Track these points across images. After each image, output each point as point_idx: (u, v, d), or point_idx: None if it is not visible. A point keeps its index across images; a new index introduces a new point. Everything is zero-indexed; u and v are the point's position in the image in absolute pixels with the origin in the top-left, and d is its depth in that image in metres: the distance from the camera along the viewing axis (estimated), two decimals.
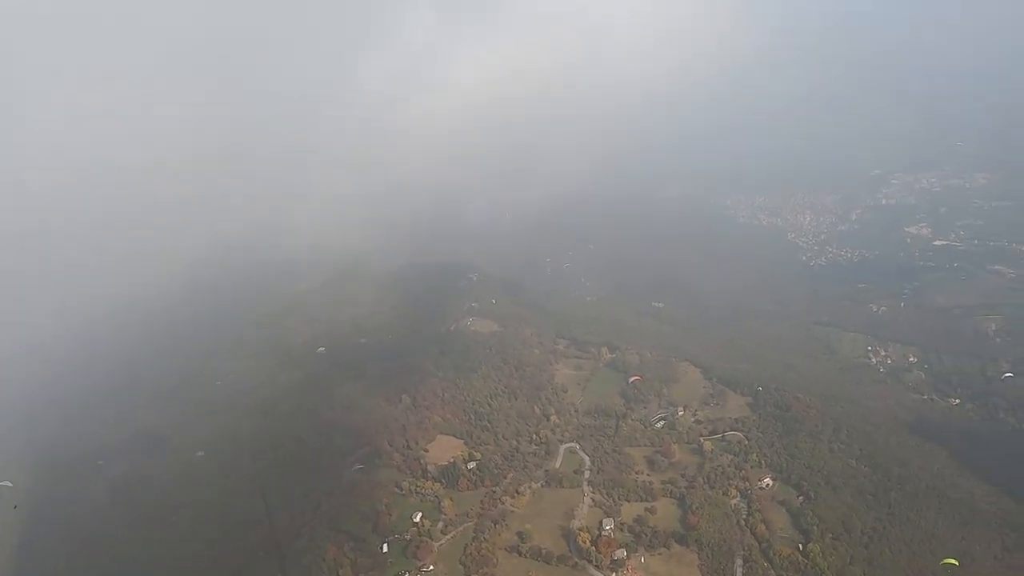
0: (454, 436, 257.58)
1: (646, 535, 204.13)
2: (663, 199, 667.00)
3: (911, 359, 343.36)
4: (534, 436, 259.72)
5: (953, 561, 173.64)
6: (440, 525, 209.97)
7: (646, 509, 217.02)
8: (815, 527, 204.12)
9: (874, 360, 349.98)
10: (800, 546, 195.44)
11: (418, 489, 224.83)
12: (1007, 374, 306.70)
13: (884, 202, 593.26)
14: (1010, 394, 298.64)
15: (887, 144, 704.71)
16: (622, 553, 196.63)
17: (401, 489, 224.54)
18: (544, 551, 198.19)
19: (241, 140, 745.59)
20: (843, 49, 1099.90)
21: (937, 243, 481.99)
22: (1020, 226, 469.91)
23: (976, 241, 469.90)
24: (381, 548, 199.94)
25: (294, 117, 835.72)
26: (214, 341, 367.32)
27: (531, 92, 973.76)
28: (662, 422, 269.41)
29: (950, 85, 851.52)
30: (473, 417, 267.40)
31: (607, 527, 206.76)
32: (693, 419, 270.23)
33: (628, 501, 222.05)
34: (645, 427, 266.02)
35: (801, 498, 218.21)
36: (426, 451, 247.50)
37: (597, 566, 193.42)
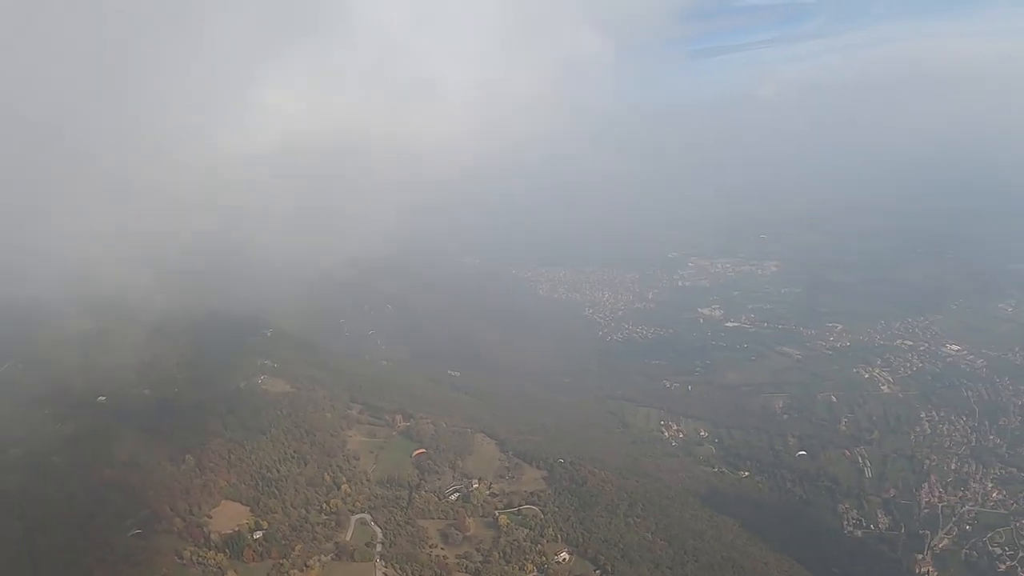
0: (240, 502, 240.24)
1: None
2: (464, 267, 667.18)
3: (702, 433, 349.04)
4: (324, 505, 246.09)
5: None
6: None
7: None
8: None
9: (667, 434, 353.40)
10: None
11: (200, 559, 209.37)
12: (800, 452, 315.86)
13: (680, 283, 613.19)
14: (797, 467, 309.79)
15: (688, 231, 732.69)
16: None
17: (182, 559, 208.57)
18: None
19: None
20: (664, 141, 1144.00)
21: (729, 324, 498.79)
22: (807, 311, 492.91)
23: (766, 324, 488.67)
24: None
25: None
26: None
27: (339, 146, 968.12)
28: (456, 494, 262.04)
29: (762, 182, 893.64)
30: (260, 483, 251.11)
31: None
32: (488, 492, 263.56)
33: None
34: (439, 499, 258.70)
35: (599, 572, 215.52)
36: (209, 517, 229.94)
37: None
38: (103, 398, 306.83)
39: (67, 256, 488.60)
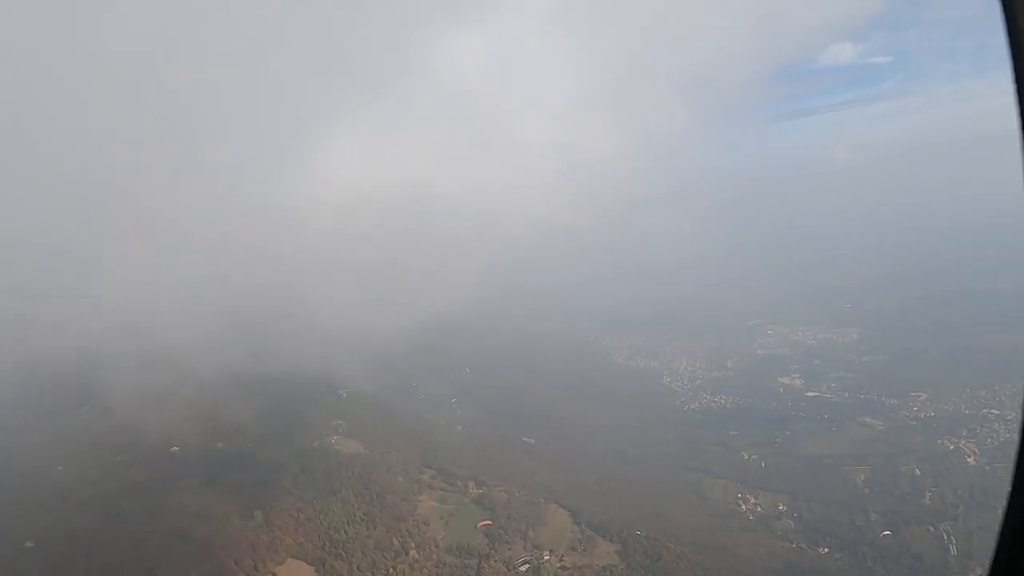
0: (305, 562, 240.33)
1: None
2: (539, 330, 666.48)
3: (781, 507, 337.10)
4: (391, 571, 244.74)
5: None
6: None
7: None
8: None
9: (744, 507, 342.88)
10: None
11: None
12: (885, 532, 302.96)
13: (760, 352, 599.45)
14: (879, 543, 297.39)
15: (768, 298, 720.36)
16: None
17: None
18: None
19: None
20: (741, 207, 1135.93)
21: (809, 394, 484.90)
22: (889, 380, 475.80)
23: (847, 393, 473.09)
24: None
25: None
26: (52, 424, 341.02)
27: (409, 202, 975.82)
28: (526, 566, 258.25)
29: (843, 247, 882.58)
30: (328, 544, 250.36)
31: None
32: (559, 564, 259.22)
33: None
34: (508, 570, 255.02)
35: None
36: (274, 574, 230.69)
37: None
38: (176, 448, 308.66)
39: (131, 307, 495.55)
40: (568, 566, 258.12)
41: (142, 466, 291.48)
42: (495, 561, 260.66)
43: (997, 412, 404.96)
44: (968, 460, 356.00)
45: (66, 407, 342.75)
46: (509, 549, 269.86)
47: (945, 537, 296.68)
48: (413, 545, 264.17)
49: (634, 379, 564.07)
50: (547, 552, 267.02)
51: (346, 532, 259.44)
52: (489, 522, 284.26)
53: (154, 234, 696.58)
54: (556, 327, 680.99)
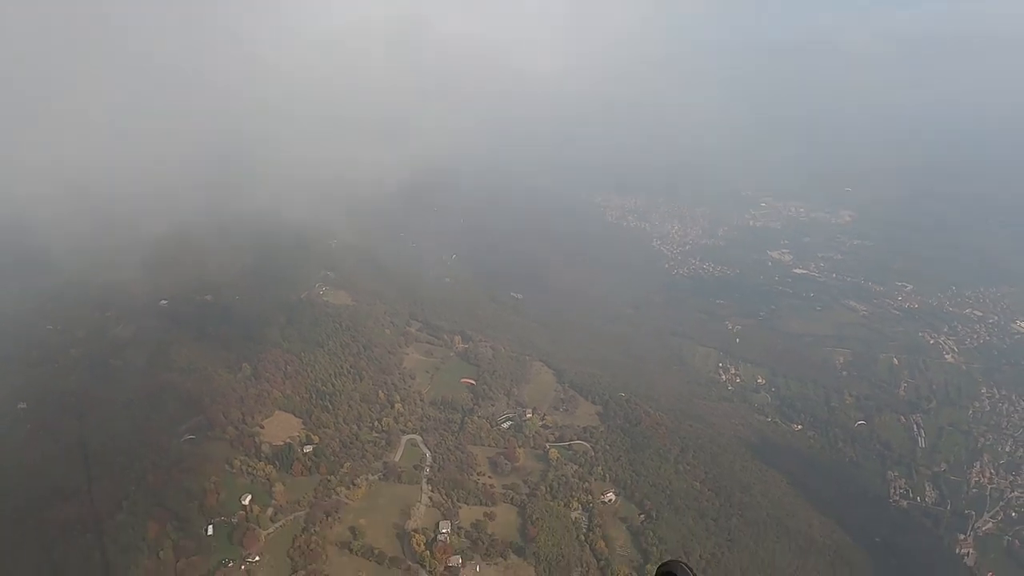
0: (293, 414, 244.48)
1: (483, 542, 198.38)
2: (537, 187, 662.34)
3: (759, 380, 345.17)
4: (376, 423, 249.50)
5: None
6: (270, 512, 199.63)
7: (485, 514, 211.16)
8: (655, 548, 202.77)
9: (724, 377, 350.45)
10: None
11: (250, 469, 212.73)
12: (860, 422, 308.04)
13: (751, 223, 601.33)
14: (850, 426, 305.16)
15: (764, 171, 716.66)
16: (457, 560, 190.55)
17: (232, 467, 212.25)
18: (376, 551, 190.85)
19: None
20: (755, 78, 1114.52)
21: (797, 271, 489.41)
22: (877, 267, 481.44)
23: (834, 275, 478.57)
24: (205, 530, 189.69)
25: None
26: (48, 280, 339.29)
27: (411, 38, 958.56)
28: (509, 423, 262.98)
29: (850, 134, 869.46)
30: (315, 395, 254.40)
31: (444, 531, 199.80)
32: (541, 423, 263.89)
33: (467, 504, 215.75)
34: (491, 426, 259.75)
35: (643, 516, 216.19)
36: (262, 427, 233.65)
37: (430, 572, 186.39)
38: (165, 302, 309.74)
39: (114, 157, 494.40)
40: (549, 425, 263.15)
41: (131, 322, 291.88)
42: (478, 417, 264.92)
43: (980, 314, 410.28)
44: (946, 357, 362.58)
45: (53, 265, 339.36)
46: (492, 405, 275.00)
47: (915, 428, 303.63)
48: (399, 398, 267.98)
49: (625, 239, 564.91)
50: (530, 410, 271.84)
51: (333, 384, 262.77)
52: (472, 381, 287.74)
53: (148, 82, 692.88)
54: (550, 183, 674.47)
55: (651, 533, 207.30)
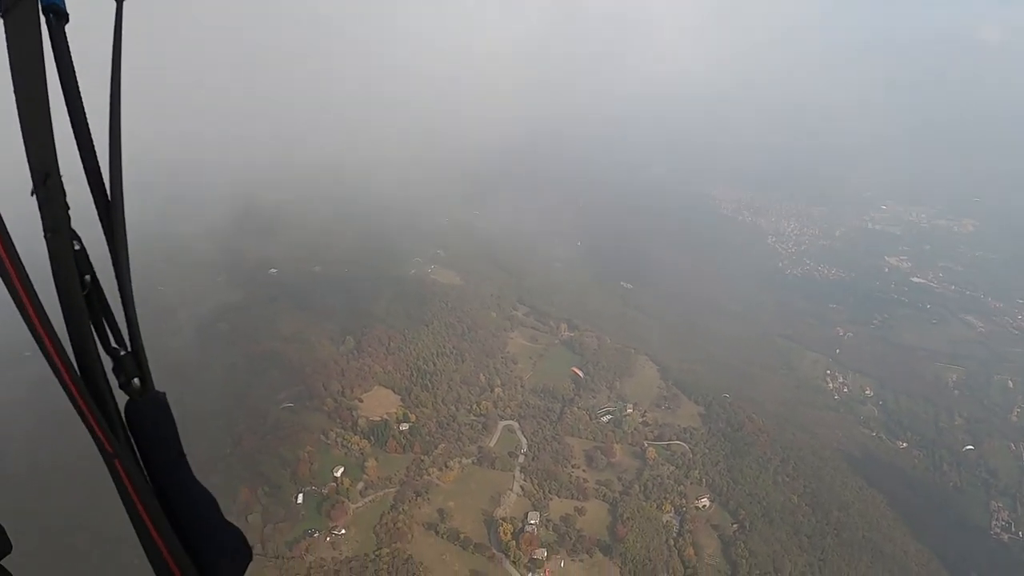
0: (392, 391, 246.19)
1: (571, 537, 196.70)
2: (654, 176, 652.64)
3: (867, 392, 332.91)
4: (475, 406, 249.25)
5: None
6: (360, 486, 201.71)
7: (576, 509, 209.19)
8: (744, 560, 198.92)
9: (831, 385, 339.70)
10: None
11: (345, 442, 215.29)
12: (968, 447, 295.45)
13: (870, 226, 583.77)
14: (956, 448, 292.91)
15: (887, 172, 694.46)
16: (543, 553, 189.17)
17: (327, 439, 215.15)
18: (462, 535, 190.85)
19: None
20: (889, 71, 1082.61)
21: (915, 279, 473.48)
22: (999, 282, 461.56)
23: (953, 286, 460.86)
24: (296, 498, 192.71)
25: None
26: (163, 243, 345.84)
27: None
28: (609, 416, 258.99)
29: (982, 138, 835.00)
30: (415, 374, 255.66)
31: (532, 521, 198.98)
32: (641, 420, 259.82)
33: (559, 496, 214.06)
34: (590, 418, 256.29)
35: (736, 526, 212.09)
36: (360, 401, 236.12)
37: (514, 562, 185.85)
38: (274, 271, 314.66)
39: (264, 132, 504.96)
40: (649, 423, 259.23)
41: (240, 288, 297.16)
42: (578, 408, 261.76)
43: None
44: None
45: (168, 227, 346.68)
46: (593, 397, 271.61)
47: None
48: (499, 382, 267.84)
49: (739, 234, 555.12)
50: (631, 405, 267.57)
51: (434, 364, 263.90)
52: (580, 373, 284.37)
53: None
54: (668, 172, 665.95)
55: (742, 545, 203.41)
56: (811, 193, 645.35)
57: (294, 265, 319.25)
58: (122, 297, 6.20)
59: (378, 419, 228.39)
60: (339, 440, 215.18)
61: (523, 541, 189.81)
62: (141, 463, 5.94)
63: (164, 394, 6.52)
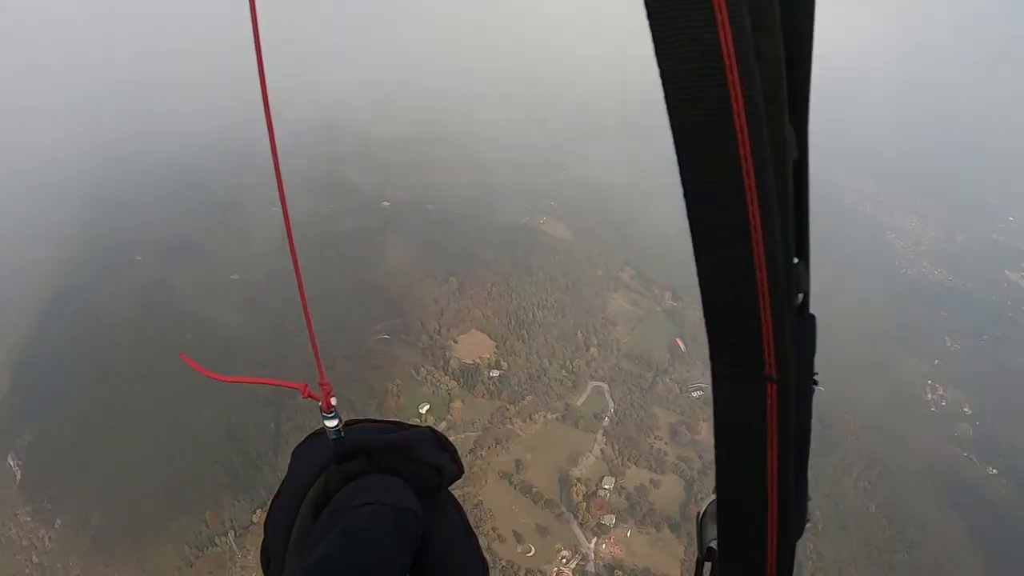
0: (488, 336, 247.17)
1: (642, 508, 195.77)
2: None
3: (965, 409, 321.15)
4: (567, 363, 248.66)
5: None
6: (443, 425, 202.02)
7: (651, 481, 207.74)
8: (811, 561, 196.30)
9: (929, 396, 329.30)
10: None
11: (434, 380, 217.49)
12: None
13: (995, 236, 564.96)
14: None
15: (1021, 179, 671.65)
16: (611, 520, 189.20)
17: (418, 374, 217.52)
18: (535, 489, 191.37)
19: None
20: None
21: None
22: None
23: None
24: None
25: None
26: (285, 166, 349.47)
27: None
28: (699, 392, 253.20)
29: None
30: (513, 322, 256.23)
31: (606, 487, 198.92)
32: None
33: (637, 465, 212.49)
34: (681, 392, 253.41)
35: (809, 525, 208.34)
36: (455, 342, 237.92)
37: (581, 524, 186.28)
38: (387, 204, 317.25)
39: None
40: None
41: (353, 216, 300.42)
42: (670, 380, 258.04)
43: None
44: None
45: (288, 155, 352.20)
46: (688, 371, 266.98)
47: None
48: (595, 342, 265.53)
49: (856, 226, 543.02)
50: None
51: (534, 315, 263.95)
52: (683, 345, 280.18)
53: None
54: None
55: (812, 545, 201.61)
56: (938, 192, 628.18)
57: (408, 200, 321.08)
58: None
59: (470, 362, 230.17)
60: (429, 377, 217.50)
61: (594, 504, 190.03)
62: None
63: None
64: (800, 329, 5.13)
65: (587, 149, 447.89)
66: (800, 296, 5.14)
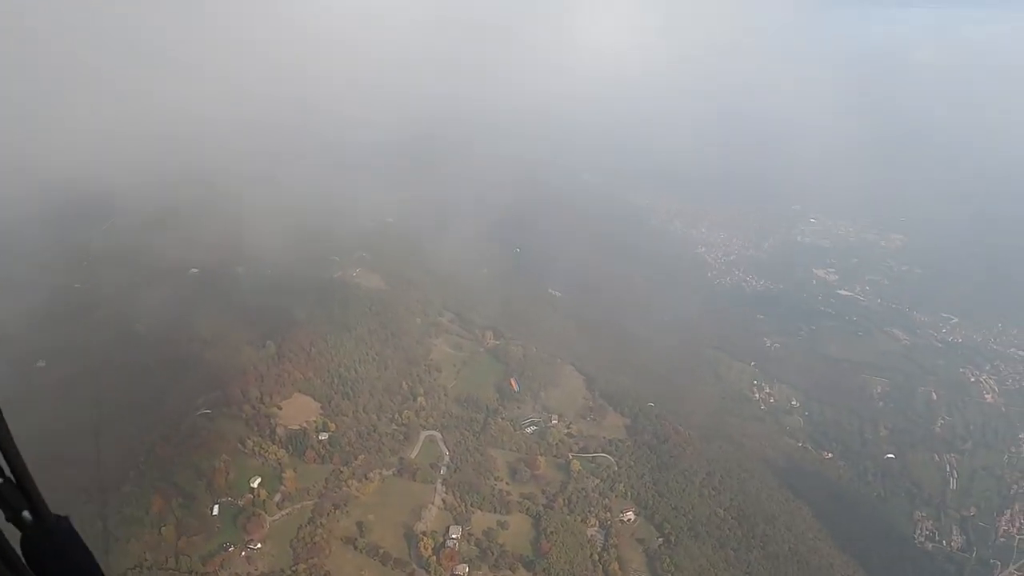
0: (312, 398, 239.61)
1: (493, 552, 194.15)
2: (585, 184, 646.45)
3: (793, 402, 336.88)
4: (396, 415, 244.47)
5: None
6: (278, 498, 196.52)
7: (498, 523, 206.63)
8: (670, 575, 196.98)
9: (757, 396, 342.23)
10: None
11: (262, 451, 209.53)
12: (888, 455, 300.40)
13: (799, 239, 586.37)
14: (880, 459, 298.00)
15: (818, 186, 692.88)
16: (464, 569, 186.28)
17: (244, 447, 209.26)
18: (382, 550, 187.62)
19: None
20: (821, 85, 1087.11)
21: (842, 292, 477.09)
22: (924, 296, 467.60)
23: (879, 300, 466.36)
24: (211, 510, 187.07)
25: None
26: (79, 236, 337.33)
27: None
28: (533, 428, 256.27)
29: (908, 153, 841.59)
30: (336, 381, 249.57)
31: (454, 536, 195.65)
32: (566, 431, 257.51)
33: (481, 510, 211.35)
34: (514, 429, 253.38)
35: (661, 540, 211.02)
36: (279, 408, 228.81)
37: None
38: (195, 271, 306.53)
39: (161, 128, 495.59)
40: (574, 434, 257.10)
41: (160, 287, 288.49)
42: (502, 419, 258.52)
43: None
44: (986, 396, 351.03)
45: (87, 225, 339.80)
46: (518, 407, 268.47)
47: (948, 469, 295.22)
48: (422, 391, 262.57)
49: (668, 244, 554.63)
50: (556, 416, 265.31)
51: (356, 371, 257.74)
52: (516, 385, 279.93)
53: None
54: (601, 182, 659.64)
55: (668, 559, 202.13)
56: (741, 204, 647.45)
57: (216, 265, 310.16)
58: None
59: (297, 428, 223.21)
60: (257, 449, 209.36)
61: (444, 556, 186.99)
62: None
63: (68, 519, 5.32)
64: (40, 541, 5.05)
65: (392, 198, 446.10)
66: (26, 512, 5.03)
